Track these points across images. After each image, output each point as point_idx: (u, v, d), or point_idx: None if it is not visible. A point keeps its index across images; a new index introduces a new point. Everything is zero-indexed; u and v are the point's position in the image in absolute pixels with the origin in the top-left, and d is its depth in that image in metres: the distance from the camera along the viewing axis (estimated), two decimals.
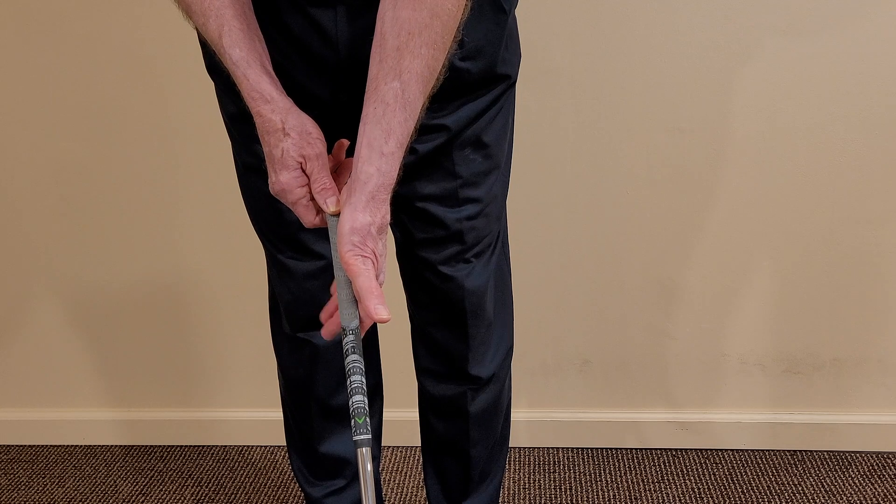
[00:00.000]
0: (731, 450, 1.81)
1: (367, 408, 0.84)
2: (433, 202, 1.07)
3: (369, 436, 0.83)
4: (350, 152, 0.93)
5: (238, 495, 1.74)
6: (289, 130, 0.90)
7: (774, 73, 1.57)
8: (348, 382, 0.86)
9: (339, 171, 0.96)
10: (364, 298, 0.84)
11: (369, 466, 0.84)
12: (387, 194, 0.89)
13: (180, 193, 1.73)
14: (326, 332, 0.91)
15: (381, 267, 0.89)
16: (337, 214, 0.92)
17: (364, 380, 0.86)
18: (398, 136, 0.87)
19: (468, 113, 1.03)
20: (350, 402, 0.85)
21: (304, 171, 0.92)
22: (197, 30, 0.95)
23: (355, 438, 0.83)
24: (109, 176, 1.73)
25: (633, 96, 1.60)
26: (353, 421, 0.84)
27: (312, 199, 0.93)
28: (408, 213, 1.08)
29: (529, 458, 1.81)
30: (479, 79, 1.01)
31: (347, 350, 0.88)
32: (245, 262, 1.73)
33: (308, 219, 0.94)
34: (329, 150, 0.97)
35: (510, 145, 1.14)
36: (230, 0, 0.91)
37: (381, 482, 1.73)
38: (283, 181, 0.92)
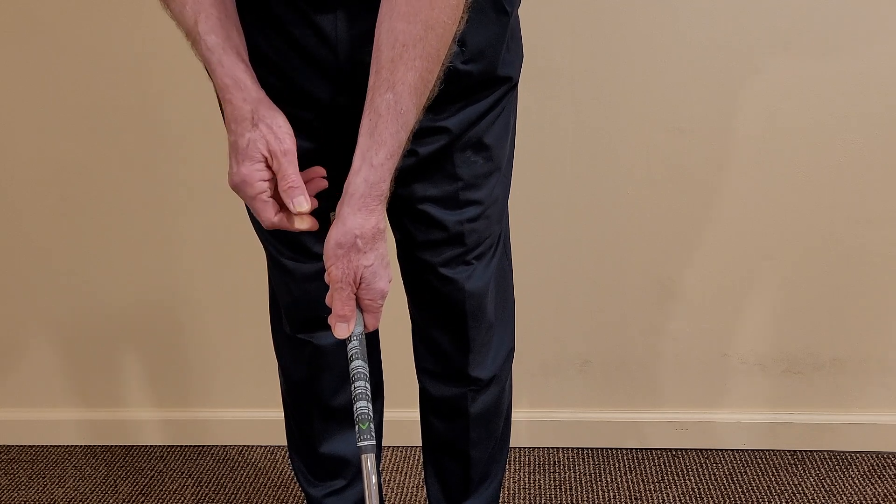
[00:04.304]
0: (731, 450, 1.81)
1: (371, 414, 0.85)
2: (434, 204, 1.06)
3: (373, 441, 0.83)
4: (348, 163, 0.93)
5: (238, 495, 1.74)
6: (258, 121, 0.89)
7: (774, 74, 1.56)
8: (352, 388, 0.87)
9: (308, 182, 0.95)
10: (332, 313, 0.90)
11: (374, 477, 0.84)
12: (377, 204, 0.90)
13: (181, 193, 1.73)
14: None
15: (370, 278, 0.91)
16: (315, 224, 0.92)
17: (368, 385, 0.87)
18: (389, 148, 0.88)
19: (469, 115, 1.03)
20: (354, 408, 0.86)
21: (268, 166, 0.90)
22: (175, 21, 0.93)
23: (359, 444, 0.84)
24: (109, 176, 1.73)
25: (633, 96, 1.60)
26: (356, 427, 0.85)
27: (274, 196, 0.91)
28: (408, 215, 1.08)
29: (529, 458, 1.81)
30: (480, 81, 1.01)
31: (351, 356, 0.90)
32: (245, 262, 1.73)
33: (266, 216, 0.92)
34: (326, 160, 0.97)
35: (512, 147, 1.14)
36: None
37: (382, 482, 1.73)
38: (244, 173, 0.90)
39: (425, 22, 0.85)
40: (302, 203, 0.89)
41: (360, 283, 0.92)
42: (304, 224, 0.93)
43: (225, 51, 0.89)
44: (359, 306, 0.94)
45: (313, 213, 0.93)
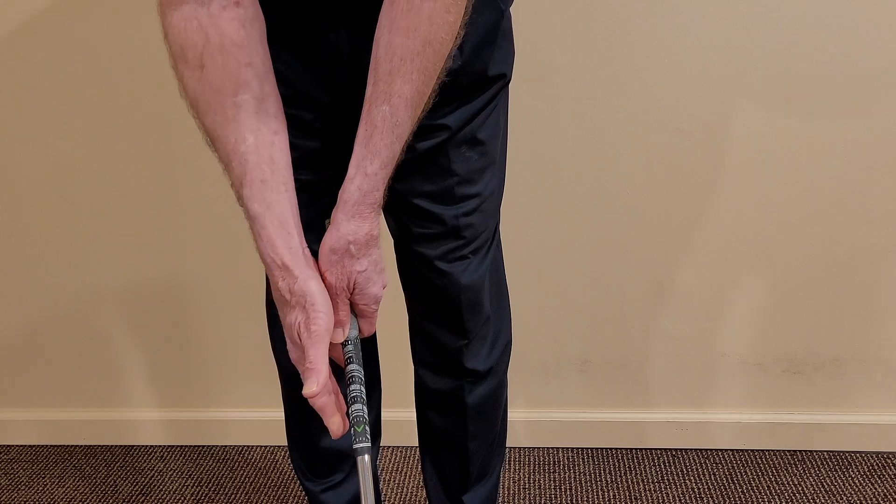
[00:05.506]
0: (731, 450, 1.81)
1: (366, 416, 0.86)
2: (430, 199, 1.07)
3: (369, 444, 0.84)
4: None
5: (238, 495, 1.74)
6: (294, 304, 0.88)
7: (775, 74, 1.56)
8: (348, 391, 0.88)
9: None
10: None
11: (369, 478, 0.85)
12: (370, 211, 0.91)
13: (181, 193, 1.73)
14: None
15: (364, 283, 0.92)
16: (339, 429, 0.87)
17: (363, 388, 0.88)
18: (383, 158, 0.89)
19: (465, 113, 1.04)
20: (349, 411, 0.87)
21: None
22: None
23: (355, 446, 0.84)
24: (110, 176, 1.73)
25: (633, 96, 1.60)
26: (352, 429, 0.85)
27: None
28: (405, 209, 1.09)
29: (529, 458, 1.81)
30: (473, 82, 1.03)
31: (347, 359, 0.91)
32: (245, 261, 1.73)
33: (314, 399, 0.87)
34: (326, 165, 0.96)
35: (504, 142, 1.15)
36: (255, 145, 0.88)
37: (381, 481, 1.73)
38: (290, 351, 0.91)
39: (424, 37, 0.86)
40: (311, 385, 0.84)
41: (353, 289, 0.93)
42: (337, 427, 0.87)
43: (265, 224, 0.88)
44: (354, 311, 0.95)
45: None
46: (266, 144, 0.89)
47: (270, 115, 0.90)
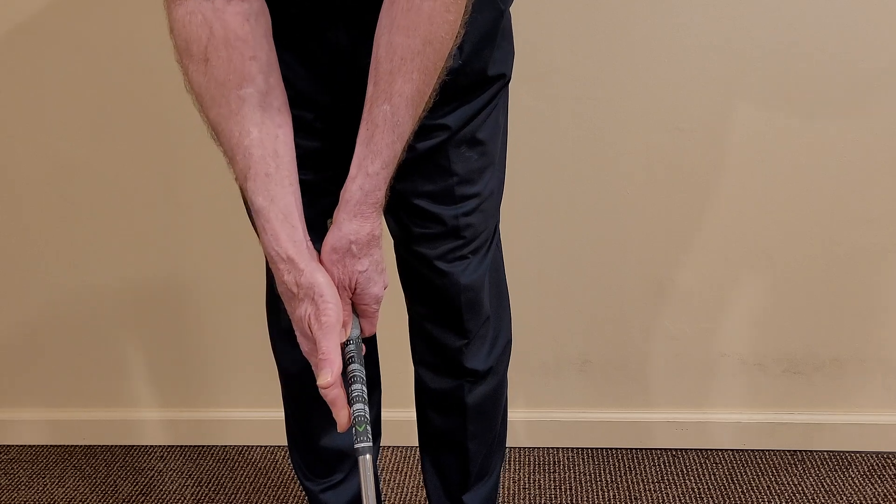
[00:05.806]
0: (731, 450, 1.81)
1: (367, 416, 0.86)
2: (430, 199, 1.07)
3: (370, 443, 0.84)
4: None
5: (238, 495, 1.74)
6: (303, 297, 0.88)
7: (774, 73, 1.57)
8: (349, 391, 0.88)
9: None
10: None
11: (371, 478, 0.85)
12: (372, 211, 0.91)
13: (181, 193, 1.73)
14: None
15: (364, 283, 0.92)
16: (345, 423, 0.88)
17: (364, 388, 0.88)
18: (384, 158, 0.89)
19: (465, 113, 1.04)
20: (351, 410, 0.87)
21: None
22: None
23: (357, 446, 0.85)
24: (110, 176, 1.73)
25: (633, 96, 1.60)
26: (353, 429, 0.85)
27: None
28: (405, 209, 1.09)
29: (529, 458, 1.81)
30: (473, 81, 1.03)
31: (349, 359, 0.91)
32: (245, 261, 1.73)
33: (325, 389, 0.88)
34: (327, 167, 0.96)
35: (504, 141, 1.15)
36: (259, 138, 0.89)
37: (381, 481, 1.73)
38: (302, 344, 0.91)
39: (424, 37, 0.86)
40: (325, 376, 0.85)
41: (355, 289, 0.93)
42: (345, 420, 0.88)
43: (270, 217, 0.88)
44: (356, 311, 0.95)
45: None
46: (270, 138, 0.90)
47: (274, 109, 0.91)
